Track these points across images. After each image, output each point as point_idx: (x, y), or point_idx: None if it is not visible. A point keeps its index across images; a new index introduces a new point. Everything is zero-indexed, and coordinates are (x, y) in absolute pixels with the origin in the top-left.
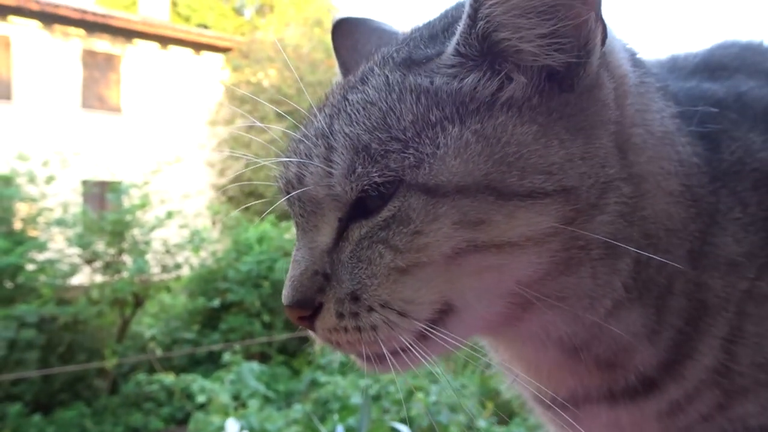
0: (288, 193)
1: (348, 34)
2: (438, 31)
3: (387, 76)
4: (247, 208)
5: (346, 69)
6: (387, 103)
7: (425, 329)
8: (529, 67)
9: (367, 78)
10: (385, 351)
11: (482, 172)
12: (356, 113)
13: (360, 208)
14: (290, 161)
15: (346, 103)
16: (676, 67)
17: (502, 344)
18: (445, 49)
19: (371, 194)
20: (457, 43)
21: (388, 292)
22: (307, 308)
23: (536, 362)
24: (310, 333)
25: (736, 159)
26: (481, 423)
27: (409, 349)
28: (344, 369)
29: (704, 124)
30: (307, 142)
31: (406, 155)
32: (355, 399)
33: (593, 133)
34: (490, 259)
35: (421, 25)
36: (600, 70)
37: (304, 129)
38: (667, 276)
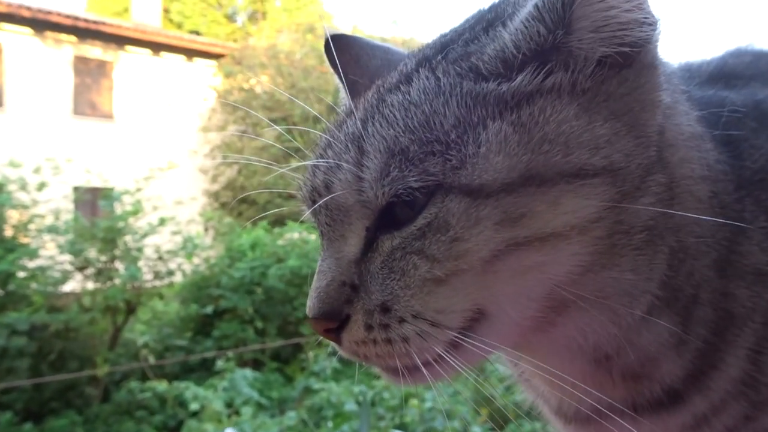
0: (314, 201)
1: (346, 49)
2: (480, 32)
3: (439, 78)
4: (240, 214)
5: (350, 82)
6: (432, 106)
7: (457, 338)
8: (609, 46)
9: (411, 79)
10: (417, 362)
11: (524, 162)
12: (395, 115)
13: (388, 217)
14: (317, 167)
15: (384, 105)
16: (691, 75)
17: (526, 355)
18: (516, 18)
19: (404, 198)
20: (536, 10)
21: (420, 303)
22: (335, 320)
23: (560, 374)
24: (335, 345)
25: (759, 167)
26: (476, 429)
27: (441, 359)
28: (338, 376)
29: (727, 131)
30: (336, 146)
31: (448, 157)
32: (349, 406)
33: (641, 115)
34: (531, 256)
35: (450, 31)
36: (656, 49)
37: (332, 133)
38: (695, 285)
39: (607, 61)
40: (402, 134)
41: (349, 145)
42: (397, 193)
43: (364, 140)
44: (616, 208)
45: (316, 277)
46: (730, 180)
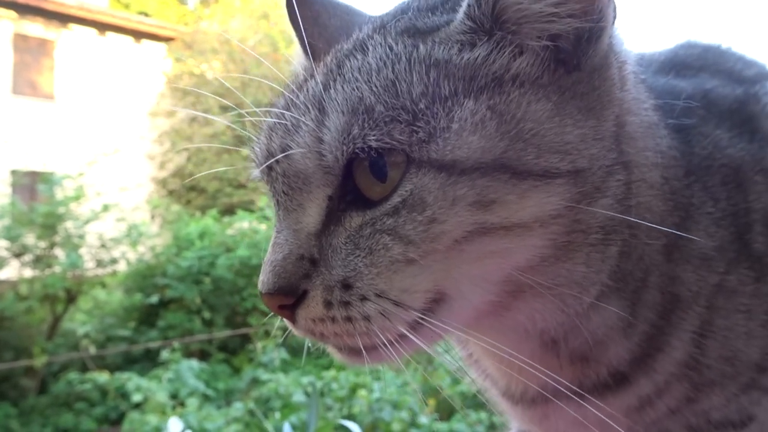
0: (270, 167)
1: (307, 5)
2: (438, 2)
3: (391, 46)
4: (188, 202)
5: (307, 39)
6: (394, 72)
7: (420, 318)
8: (539, 38)
9: (365, 46)
10: (378, 342)
11: (500, 149)
12: (357, 78)
13: (355, 191)
14: (273, 130)
15: (344, 69)
16: (644, 64)
17: (475, 337)
18: (454, 17)
19: (361, 155)
20: (468, 8)
21: (386, 282)
22: (291, 296)
23: (510, 353)
24: (287, 323)
25: (706, 154)
26: (423, 419)
27: (402, 339)
28: (286, 367)
29: (680, 118)
30: (294, 109)
31: (415, 128)
32: (297, 397)
33: (603, 114)
34: (496, 242)
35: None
36: (609, 49)
37: (288, 97)
38: (644, 269)
39: (552, 57)
40: (369, 94)
41: (310, 107)
42: (354, 151)
43: (325, 102)
44: (575, 208)
45: (270, 249)
46: (680, 166)
